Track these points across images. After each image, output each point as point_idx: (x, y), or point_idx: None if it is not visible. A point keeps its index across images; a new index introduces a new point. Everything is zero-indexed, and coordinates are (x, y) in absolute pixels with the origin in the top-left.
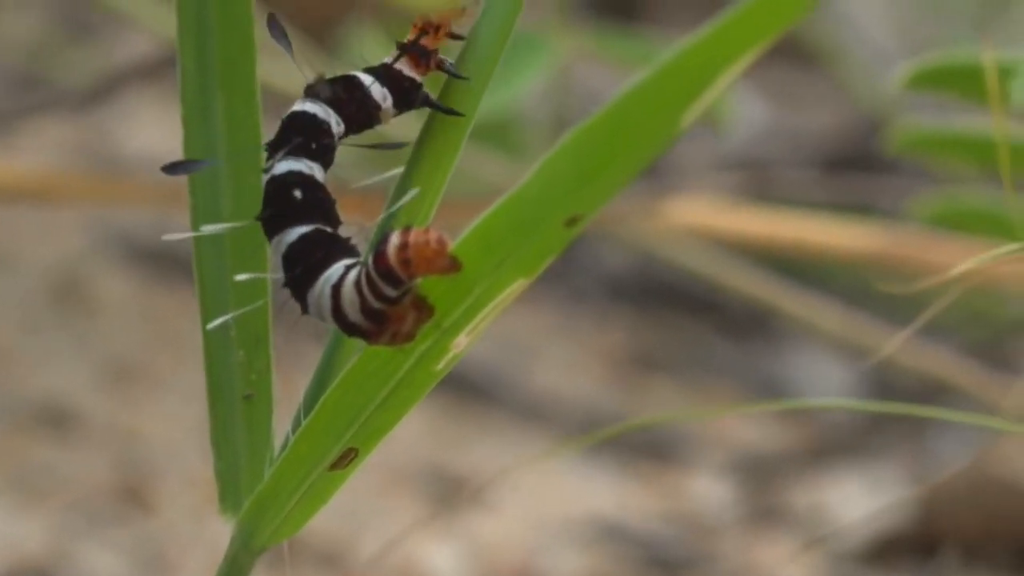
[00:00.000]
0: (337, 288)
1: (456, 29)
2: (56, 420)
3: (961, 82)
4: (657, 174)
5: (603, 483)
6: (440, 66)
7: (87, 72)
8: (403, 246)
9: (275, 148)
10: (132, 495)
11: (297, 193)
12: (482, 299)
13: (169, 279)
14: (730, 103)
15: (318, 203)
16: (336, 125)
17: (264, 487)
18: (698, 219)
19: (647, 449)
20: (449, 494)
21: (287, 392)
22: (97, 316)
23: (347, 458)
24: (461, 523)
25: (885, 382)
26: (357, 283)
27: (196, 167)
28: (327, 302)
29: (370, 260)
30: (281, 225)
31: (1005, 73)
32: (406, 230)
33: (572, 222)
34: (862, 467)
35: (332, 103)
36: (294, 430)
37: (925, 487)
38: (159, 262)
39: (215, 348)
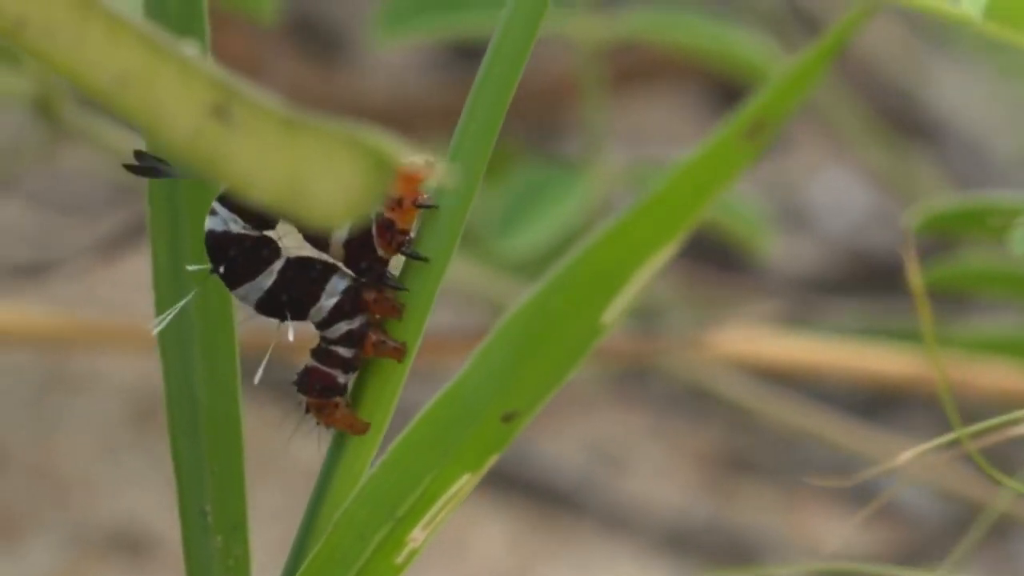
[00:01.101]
0: None
1: (422, 200)
2: (131, 545)
3: (967, 225)
4: (746, 275)
5: None
6: (401, 247)
7: None
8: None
9: None
10: None
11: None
12: (432, 491)
13: (252, 398)
14: (763, 231)
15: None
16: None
17: None
18: (749, 348)
19: (732, 552)
20: None
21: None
22: None
23: None
24: None
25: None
26: None
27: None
28: None
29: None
30: None
31: (1012, 215)
32: (321, 392)
33: (509, 418)
34: (948, 571)
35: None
36: None
37: None
38: (242, 381)
39: (193, 534)
